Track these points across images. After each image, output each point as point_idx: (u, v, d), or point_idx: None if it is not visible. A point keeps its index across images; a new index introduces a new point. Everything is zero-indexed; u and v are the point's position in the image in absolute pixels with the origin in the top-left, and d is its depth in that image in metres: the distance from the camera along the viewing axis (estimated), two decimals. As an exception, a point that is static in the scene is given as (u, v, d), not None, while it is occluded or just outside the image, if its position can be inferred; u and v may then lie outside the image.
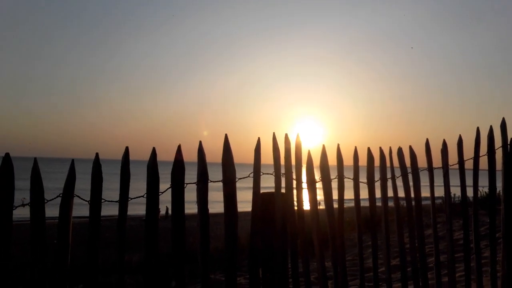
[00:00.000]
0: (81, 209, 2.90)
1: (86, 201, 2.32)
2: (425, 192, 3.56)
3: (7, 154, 2.16)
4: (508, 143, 3.79)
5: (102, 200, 2.35)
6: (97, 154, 2.34)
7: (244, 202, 3.75)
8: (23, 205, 2.23)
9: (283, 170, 2.90)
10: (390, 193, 3.39)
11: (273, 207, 2.85)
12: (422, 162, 3.50)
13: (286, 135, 2.92)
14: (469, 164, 3.68)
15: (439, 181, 3.60)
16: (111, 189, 2.28)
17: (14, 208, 2.17)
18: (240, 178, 2.76)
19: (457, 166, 3.65)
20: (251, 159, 2.82)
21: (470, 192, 3.84)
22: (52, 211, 2.32)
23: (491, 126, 3.73)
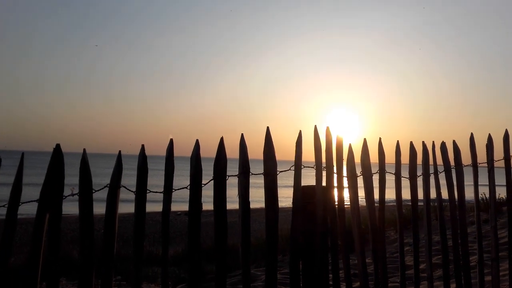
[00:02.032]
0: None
1: (132, 191, 2.37)
2: (467, 191, 3.47)
3: (57, 145, 2.22)
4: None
5: (147, 191, 2.40)
6: (143, 146, 2.39)
7: (284, 197, 3.74)
8: (72, 194, 2.30)
9: (324, 165, 2.89)
10: (432, 190, 3.32)
11: (314, 200, 2.83)
12: (466, 158, 3.41)
13: (328, 128, 2.89)
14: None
15: (482, 180, 3.50)
16: (152, 185, 2.32)
17: (64, 197, 2.24)
18: (281, 171, 2.75)
19: (502, 163, 3.54)
20: (285, 156, 2.81)
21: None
22: (95, 208, 2.36)
23: (540, 121, 3.60)
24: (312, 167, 2.86)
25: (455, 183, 3.38)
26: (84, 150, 2.28)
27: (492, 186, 3.54)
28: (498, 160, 3.53)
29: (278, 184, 2.74)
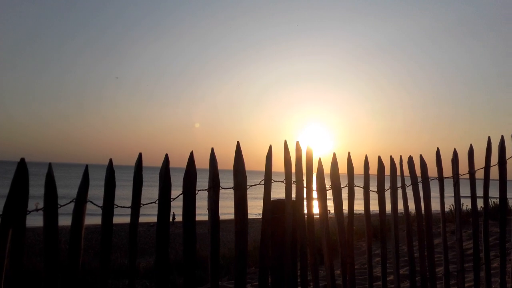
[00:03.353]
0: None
1: (99, 206, 2.34)
2: (433, 203, 3.55)
3: (22, 159, 2.17)
4: (519, 153, 3.77)
5: (115, 206, 2.37)
6: (110, 160, 2.36)
7: (254, 209, 3.76)
8: (37, 210, 2.25)
9: (293, 178, 2.91)
10: (400, 202, 3.38)
11: (284, 214, 2.85)
12: (432, 171, 3.49)
13: (298, 143, 2.92)
14: (480, 174, 3.66)
15: (449, 191, 3.59)
16: (122, 197, 2.30)
17: (28, 213, 2.19)
18: (251, 185, 2.76)
19: (467, 176, 3.64)
20: (259, 167, 2.83)
21: (480, 203, 3.82)
22: (63, 221, 2.32)
23: (502, 136, 3.69)
24: (282, 181, 2.87)
25: (422, 196, 3.45)
26: (50, 164, 2.24)
27: (457, 199, 3.63)
28: (463, 174, 3.62)
29: (251, 196, 2.74)
